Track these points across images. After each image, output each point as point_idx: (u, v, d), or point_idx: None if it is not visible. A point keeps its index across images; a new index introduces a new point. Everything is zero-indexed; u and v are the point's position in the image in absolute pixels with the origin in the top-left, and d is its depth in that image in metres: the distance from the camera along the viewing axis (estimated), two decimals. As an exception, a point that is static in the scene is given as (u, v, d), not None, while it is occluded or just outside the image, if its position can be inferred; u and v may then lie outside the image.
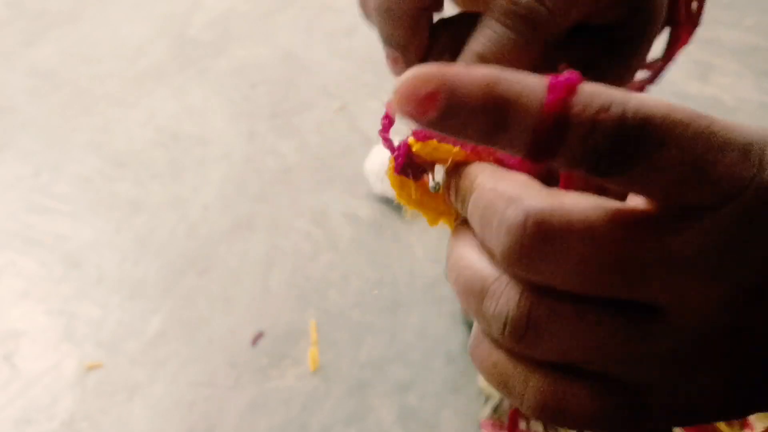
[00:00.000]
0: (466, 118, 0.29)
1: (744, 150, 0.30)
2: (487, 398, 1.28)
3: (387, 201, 1.63)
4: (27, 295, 1.56)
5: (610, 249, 0.30)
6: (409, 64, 0.46)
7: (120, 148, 1.88)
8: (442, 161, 0.39)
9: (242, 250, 1.60)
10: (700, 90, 1.75)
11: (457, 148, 0.38)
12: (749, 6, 1.92)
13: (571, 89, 0.29)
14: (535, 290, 0.33)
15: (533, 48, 0.41)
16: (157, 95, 2.01)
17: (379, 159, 1.62)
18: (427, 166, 0.40)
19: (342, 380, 1.38)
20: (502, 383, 0.35)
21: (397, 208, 1.63)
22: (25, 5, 2.37)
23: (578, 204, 0.31)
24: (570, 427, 0.34)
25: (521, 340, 0.33)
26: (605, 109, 0.28)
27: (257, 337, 1.45)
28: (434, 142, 0.38)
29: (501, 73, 0.29)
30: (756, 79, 1.78)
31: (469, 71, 0.29)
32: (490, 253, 0.35)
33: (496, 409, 1.26)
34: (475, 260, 0.35)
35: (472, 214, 0.35)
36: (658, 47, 0.51)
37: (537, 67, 0.40)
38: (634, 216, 0.31)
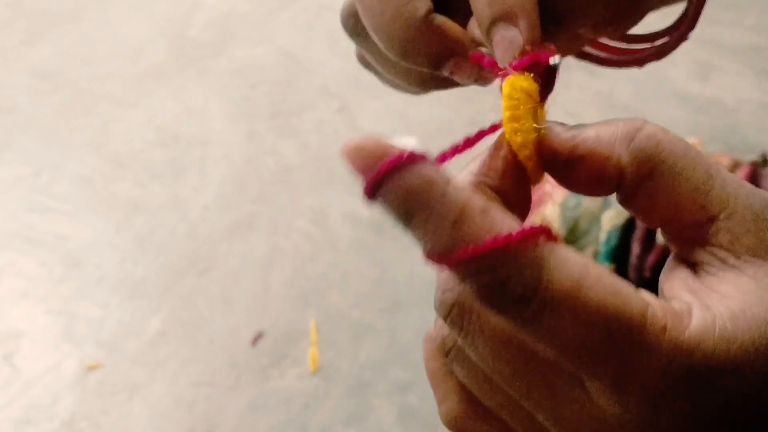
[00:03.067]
0: (381, 203, 0.30)
1: (661, 373, 0.30)
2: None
3: (387, 201, 1.63)
4: (27, 295, 1.56)
5: (505, 366, 0.32)
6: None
7: (120, 148, 1.88)
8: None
9: (242, 250, 1.60)
10: (701, 90, 1.75)
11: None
12: (749, 6, 1.92)
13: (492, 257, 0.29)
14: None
15: None
16: (157, 95, 2.01)
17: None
18: None
19: (342, 380, 1.38)
20: (432, 385, 0.38)
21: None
22: (25, 5, 2.37)
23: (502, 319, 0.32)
24: None
25: (443, 357, 0.36)
26: (501, 267, 0.29)
27: (257, 337, 1.45)
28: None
29: (423, 187, 0.29)
30: (756, 79, 1.78)
31: (395, 172, 0.29)
32: None
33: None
34: None
35: None
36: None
37: None
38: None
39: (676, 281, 0.35)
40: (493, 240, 0.29)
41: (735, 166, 1.36)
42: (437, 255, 0.30)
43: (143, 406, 1.38)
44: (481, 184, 0.36)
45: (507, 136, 0.37)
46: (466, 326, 0.33)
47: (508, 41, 0.39)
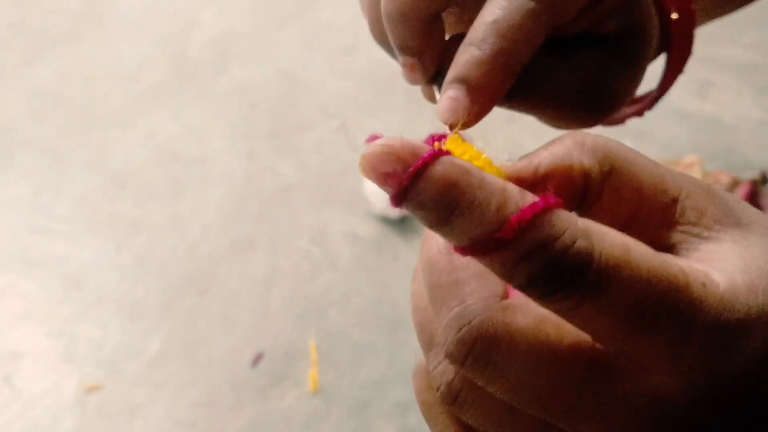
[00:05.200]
0: (418, 204, 0.29)
1: (714, 329, 0.30)
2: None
3: (386, 220, 1.63)
4: (27, 316, 1.56)
5: (549, 393, 0.31)
6: (425, 71, 0.46)
7: (120, 168, 1.88)
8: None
9: (242, 269, 1.60)
10: (700, 107, 1.75)
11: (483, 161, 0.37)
12: (748, 23, 1.92)
13: (538, 216, 0.29)
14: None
15: (542, 26, 0.41)
16: (157, 115, 2.02)
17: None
18: None
19: (342, 400, 1.37)
20: (427, 419, 0.37)
21: (397, 227, 1.63)
22: (25, 26, 2.37)
23: (529, 334, 0.31)
24: None
25: (448, 405, 0.34)
26: (553, 238, 0.29)
27: (257, 358, 1.44)
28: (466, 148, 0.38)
29: (462, 175, 0.29)
30: (755, 96, 1.78)
31: (432, 164, 0.29)
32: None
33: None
34: (425, 306, 0.36)
35: (422, 274, 0.35)
36: (652, 80, 0.53)
37: (538, 54, 0.42)
38: (579, 353, 0.31)
39: None
40: (541, 206, 0.29)
41: (734, 184, 1.36)
42: (484, 242, 0.29)
43: (143, 427, 1.37)
44: None
45: None
46: (495, 356, 0.31)
47: (453, 102, 0.39)
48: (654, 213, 0.35)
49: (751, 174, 1.42)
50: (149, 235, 1.70)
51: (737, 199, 0.35)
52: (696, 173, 1.39)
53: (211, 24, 2.31)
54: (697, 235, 0.33)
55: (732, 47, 1.88)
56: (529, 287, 0.29)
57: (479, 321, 0.31)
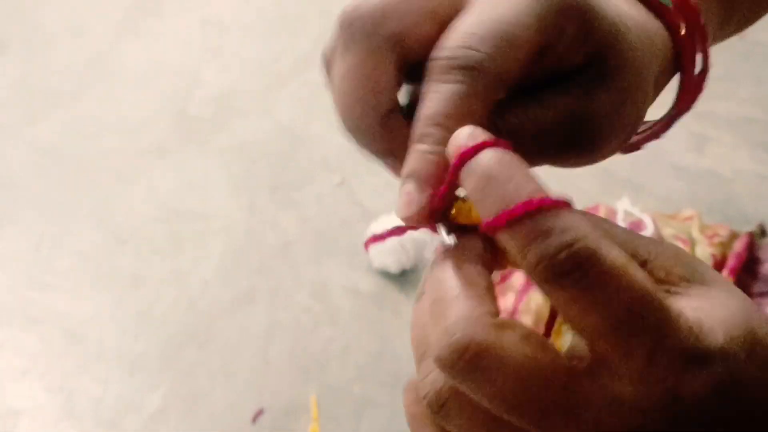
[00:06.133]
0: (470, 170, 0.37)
1: (681, 352, 0.33)
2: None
3: (387, 274, 1.63)
4: (27, 372, 1.55)
5: (530, 398, 0.34)
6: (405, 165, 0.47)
7: (121, 223, 1.88)
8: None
9: (242, 323, 1.60)
10: (696, 161, 1.76)
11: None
12: (743, 78, 1.94)
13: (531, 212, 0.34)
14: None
15: (482, 97, 0.42)
16: (158, 171, 2.03)
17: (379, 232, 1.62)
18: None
19: (343, 456, 1.37)
20: (413, 430, 0.40)
21: (397, 281, 1.63)
22: (28, 83, 2.39)
23: (516, 346, 0.34)
24: None
25: (434, 413, 0.37)
26: (566, 229, 0.33)
27: (257, 415, 1.44)
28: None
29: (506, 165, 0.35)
30: (752, 151, 1.79)
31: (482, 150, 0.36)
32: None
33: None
34: (425, 323, 0.39)
35: (427, 292, 0.39)
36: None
37: (497, 114, 0.43)
38: (557, 367, 0.34)
39: None
40: (563, 202, 0.34)
41: (733, 237, 1.37)
42: (507, 215, 0.34)
43: (142, 484, 1.36)
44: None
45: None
46: (484, 362, 0.34)
47: (407, 196, 0.41)
48: None
49: (749, 227, 1.43)
50: (150, 289, 1.70)
51: (701, 261, 0.39)
52: (694, 226, 1.40)
53: (212, 81, 2.33)
54: (666, 291, 0.37)
55: (728, 102, 1.90)
56: (537, 268, 0.33)
57: (473, 330, 0.34)
